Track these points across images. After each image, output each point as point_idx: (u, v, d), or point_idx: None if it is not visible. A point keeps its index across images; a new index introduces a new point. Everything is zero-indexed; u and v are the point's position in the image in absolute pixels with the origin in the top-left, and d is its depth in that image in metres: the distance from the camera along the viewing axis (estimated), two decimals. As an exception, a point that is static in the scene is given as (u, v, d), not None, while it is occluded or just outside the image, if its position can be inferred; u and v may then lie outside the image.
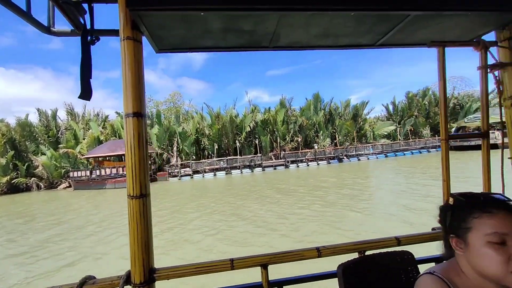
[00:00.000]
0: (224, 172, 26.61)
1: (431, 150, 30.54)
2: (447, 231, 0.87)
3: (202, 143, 30.76)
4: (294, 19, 1.12)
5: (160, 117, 31.33)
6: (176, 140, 29.75)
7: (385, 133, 34.51)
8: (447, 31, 1.35)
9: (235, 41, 1.28)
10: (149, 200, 1.11)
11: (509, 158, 1.39)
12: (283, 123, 31.06)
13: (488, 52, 1.34)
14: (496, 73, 1.36)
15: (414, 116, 35.46)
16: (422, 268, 1.04)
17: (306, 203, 10.16)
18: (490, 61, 1.36)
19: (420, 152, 30.28)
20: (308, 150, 29.92)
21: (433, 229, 1.45)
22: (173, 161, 28.72)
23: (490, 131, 1.37)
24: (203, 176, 25.78)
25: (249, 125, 31.01)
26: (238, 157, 28.59)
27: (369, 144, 31.64)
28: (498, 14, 1.22)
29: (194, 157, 29.69)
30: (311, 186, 14.25)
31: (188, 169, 26.61)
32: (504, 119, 1.41)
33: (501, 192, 1.14)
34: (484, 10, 1.16)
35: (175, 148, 29.47)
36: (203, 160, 28.40)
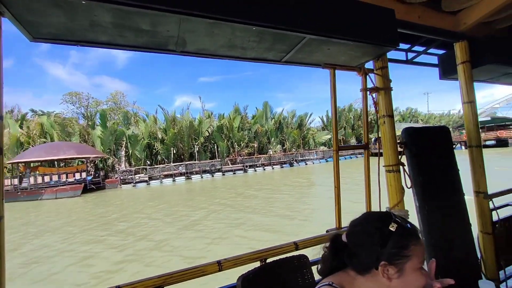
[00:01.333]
0: (184, 177, 26.42)
1: (358, 156, 36.75)
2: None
3: (155, 147, 29.66)
4: (196, 25, 1.12)
5: (105, 118, 28.86)
6: (124, 144, 28.07)
7: (323, 141, 40.21)
8: (338, 56, 1.55)
9: (134, 40, 1.22)
10: (3, 223, 0.94)
11: (383, 166, 1.67)
12: (238, 130, 32.77)
13: (368, 77, 1.66)
14: (374, 95, 1.66)
15: (343, 128, 42.01)
16: (316, 269, 1.01)
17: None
18: (371, 85, 1.69)
19: (351, 158, 36.82)
20: (262, 155, 32.75)
21: (327, 231, 1.62)
22: (121, 166, 27.00)
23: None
24: (161, 182, 25.13)
25: (207, 130, 31.95)
26: (198, 162, 28.81)
27: (313, 150, 37.70)
28: (374, 47, 1.49)
29: (148, 163, 28.63)
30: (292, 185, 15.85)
31: (143, 175, 25.53)
32: (380, 134, 1.70)
33: (379, 194, 1.53)
34: (364, 43, 1.41)
35: (123, 153, 27.81)
36: (162, 165, 27.57)
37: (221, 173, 28.27)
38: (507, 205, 2.17)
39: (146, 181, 24.93)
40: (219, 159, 30.45)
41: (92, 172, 24.55)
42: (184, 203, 13.91)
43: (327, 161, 35.18)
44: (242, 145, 33.04)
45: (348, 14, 1.41)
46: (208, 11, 1.05)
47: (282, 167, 31.91)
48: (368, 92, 1.71)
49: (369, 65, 1.77)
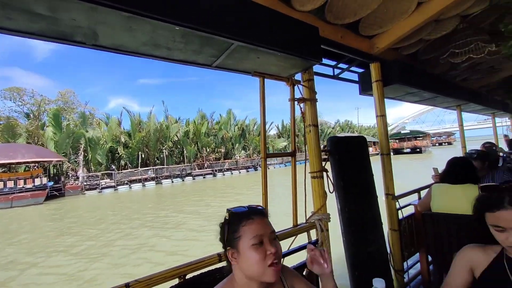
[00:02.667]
0: (154, 182, 26.03)
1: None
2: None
3: (118, 152, 27.83)
4: (109, 17, 1.02)
5: (59, 118, 25.51)
6: (83, 147, 25.40)
7: (281, 147, 41.91)
8: (268, 65, 1.59)
9: (27, 25, 1.04)
10: None
11: (309, 172, 1.77)
12: (204, 135, 33.73)
13: (297, 88, 1.75)
14: (301, 105, 1.77)
15: (297, 135, 45.25)
16: None
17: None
18: (299, 95, 1.78)
19: (303, 163, 41.63)
20: (227, 160, 34.18)
21: None
22: (79, 172, 24.28)
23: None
24: (130, 188, 24.05)
25: (176, 135, 31.84)
26: (168, 166, 28.62)
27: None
28: (301, 60, 1.57)
29: (113, 167, 26.59)
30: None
31: (109, 180, 24.08)
32: (306, 142, 1.79)
33: (305, 199, 1.63)
34: (291, 55, 1.48)
35: (81, 157, 25.09)
36: (129, 170, 26.14)
37: (191, 177, 28.69)
38: (409, 204, 2.54)
39: (113, 186, 23.46)
40: (188, 164, 30.51)
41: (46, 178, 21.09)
42: (156, 208, 12.65)
43: (285, 165, 37.44)
44: (209, 150, 34.10)
45: (276, 27, 1.46)
46: (121, 2, 0.96)
47: (248, 171, 33.93)
48: (296, 102, 1.80)
49: (298, 76, 1.87)
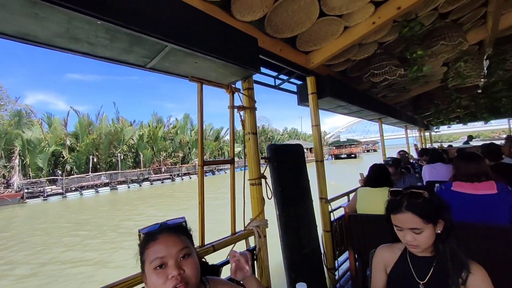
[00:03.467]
0: (109, 188, 24.40)
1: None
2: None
3: (63, 155, 24.98)
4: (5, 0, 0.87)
5: None
6: (18, 150, 21.84)
7: (236, 152, 43.65)
8: (207, 71, 1.57)
9: None
10: None
11: (248, 180, 1.77)
12: (161, 139, 33.17)
13: (238, 95, 1.78)
14: (241, 113, 1.79)
15: (262, 142, 49.22)
16: None
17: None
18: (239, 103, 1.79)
19: (241, 169, 43.30)
20: (186, 165, 34.17)
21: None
22: (14, 178, 21.06)
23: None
24: (81, 194, 22.07)
25: (131, 138, 30.33)
26: (125, 171, 27.37)
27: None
28: (240, 68, 1.58)
29: (59, 172, 24.06)
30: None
31: (55, 186, 21.78)
32: (245, 149, 1.79)
33: (243, 206, 1.62)
34: (229, 63, 1.48)
35: (17, 161, 21.65)
36: (81, 175, 23.90)
37: (149, 182, 27.73)
38: (340, 207, 2.79)
39: (61, 193, 21.33)
40: (144, 169, 29.31)
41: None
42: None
43: (241, 169, 39.75)
44: (165, 154, 33.40)
45: (215, 33, 1.46)
46: None
47: (206, 175, 34.80)
48: (236, 110, 1.81)
49: (238, 84, 1.90)
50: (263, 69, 2.74)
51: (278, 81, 3.09)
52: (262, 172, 1.89)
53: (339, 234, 2.66)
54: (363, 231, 2.15)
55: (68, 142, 25.39)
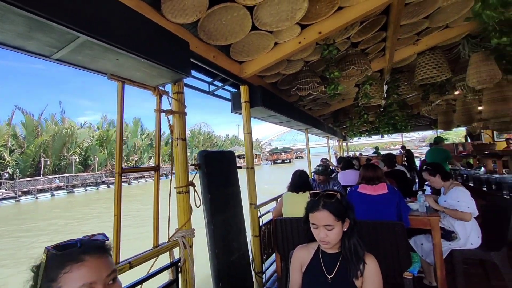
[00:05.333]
0: (65, 191, 24.47)
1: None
2: None
3: (3, 158, 23.85)
4: None
5: None
6: None
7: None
8: (131, 70, 1.43)
9: None
10: None
11: (175, 187, 1.67)
12: (114, 142, 34.02)
13: (168, 99, 1.71)
14: (170, 117, 1.71)
15: (196, 147, 49.81)
16: None
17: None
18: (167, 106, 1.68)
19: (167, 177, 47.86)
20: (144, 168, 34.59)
21: None
22: None
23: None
24: (36, 198, 21.83)
25: (86, 141, 30.77)
26: (82, 174, 27.83)
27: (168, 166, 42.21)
28: (169, 71, 1.50)
29: (7, 175, 23.28)
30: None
31: (4, 190, 21.60)
32: (173, 156, 1.71)
33: (168, 215, 1.53)
34: (156, 63, 1.38)
35: None
36: (34, 178, 23.24)
37: (106, 185, 28.04)
38: (269, 211, 2.93)
39: (14, 197, 21.13)
40: (100, 171, 29.92)
41: None
42: None
43: (191, 173, 42.52)
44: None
45: (141, 31, 1.36)
46: None
47: (160, 178, 34.82)
48: (164, 114, 1.71)
49: (168, 88, 1.81)
50: (197, 74, 2.69)
51: (212, 87, 3.08)
52: (191, 179, 1.83)
53: (267, 238, 2.78)
54: (287, 234, 2.30)
55: (9, 143, 24.06)
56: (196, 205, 1.86)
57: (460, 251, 2.19)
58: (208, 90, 3.05)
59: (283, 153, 63.43)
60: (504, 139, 8.28)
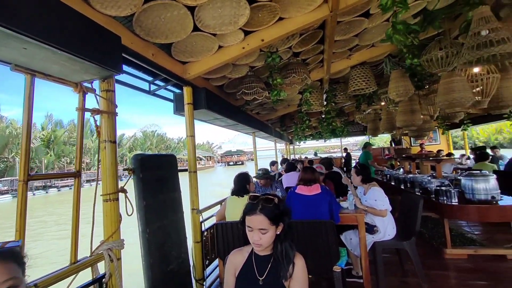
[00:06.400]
0: (10, 195, 23.37)
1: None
2: None
3: None
4: None
5: None
6: None
7: None
8: (46, 62, 1.27)
9: None
10: None
11: (101, 195, 1.51)
12: (62, 144, 32.59)
13: (96, 97, 1.56)
14: (97, 117, 1.56)
15: (149, 149, 49.20)
16: None
17: None
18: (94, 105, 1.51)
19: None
20: (93, 171, 32.65)
21: None
22: None
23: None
24: None
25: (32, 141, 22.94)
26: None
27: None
28: (97, 67, 1.35)
29: None
30: None
31: None
32: (100, 159, 1.54)
33: (92, 226, 1.38)
34: (76, 56, 1.23)
35: None
36: None
37: (56, 189, 27.36)
38: (212, 216, 2.88)
39: None
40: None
41: None
42: None
43: (121, 179, 41.23)
44: (69, 160, 33.02)
45: (58, 18, 1.20)
46: None
47: (59, 190, 32.70)
48: (89, 114, 1.54)
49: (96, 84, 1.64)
50: (135, 72, 2.51)
51: (154, 87, 2.91)
52: (122, 185, 1.68)
53: (210, 243, 2.72)
54: (228, 238, 2.30)
55: None
56: (127, 213, 1.71)
57: (380, 242, 2.50)
58: (148, 89, 2.87)
59: (235, 156, 66.33)
60: (418, 144, 9.86)
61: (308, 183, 2.34)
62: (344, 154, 12.03)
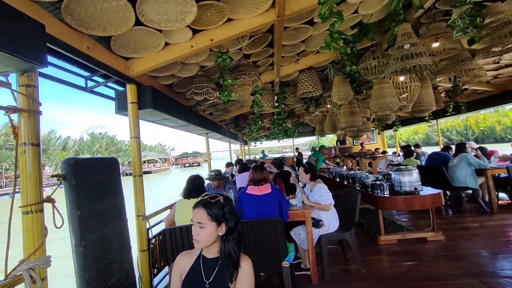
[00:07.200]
0: None
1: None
2: None
3: None
4: None
5: None
6: None
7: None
8: None
9: None
10: None
11: (20, 207, 1.34)
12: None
13: (12, 93, 1.36)
14: (13, 116, 1.36)
15: (99, 153, 46.70)
16: None
17: None
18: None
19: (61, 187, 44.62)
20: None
21: None
22: None
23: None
24: None
25: None
26: None
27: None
28: (14, 57, 1.21)
29: None
30: None
31: None
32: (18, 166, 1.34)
33: (7, 244, 1.21)
34: None
35: None
36: None
37: None
38: (160, 221, 2.73)
39: None
40: None
41: None
42: None
43: (61, 187, 38.64)
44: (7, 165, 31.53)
45: None
46: None
47: (52, 188, 29.09)
48: (4, 112, 1.32)
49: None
50: (68, 66, 2.23)
51: (92, 83, 2.63)
52: (49, 194, 1.48)
53: (158, 250, 2.57)
54: (177, 244, 2.20)
55: None
56: (55, 225, 1.51)
57: (325, 235, 2.69)
58: (85, 86, 2.58)
59: (191, 157, 67.58)
60: (359, 143, 10.92)
61: (258, 183, 2.39)
62: (296, 154, 12.68)
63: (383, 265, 2.93)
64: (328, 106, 5.71)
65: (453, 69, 3.24)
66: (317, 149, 7.07)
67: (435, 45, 2.84)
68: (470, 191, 4.88)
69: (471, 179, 4.48)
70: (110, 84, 2.75)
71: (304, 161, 11.38)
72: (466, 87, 5.27)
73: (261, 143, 13.50)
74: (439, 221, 3.91)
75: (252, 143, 14.13)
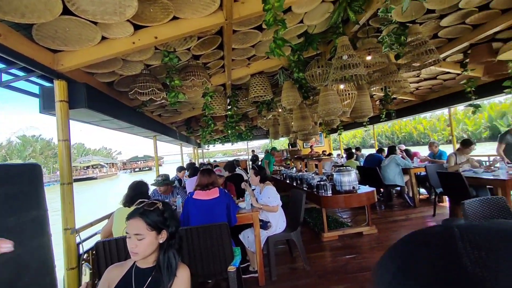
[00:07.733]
0: None
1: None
2: None
3: None
4: None
5: None
6: None
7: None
8: None
9: None
10: None
11: None
12: None
13: None
14: None
15: (32, 158, 42.49)
16: None
17: None
18: None
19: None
20: None
21: None
22: None
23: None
24: None
25: None
26: None
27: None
28: None
29: None
30: None
31: None
32: None
33: None
34: None
35: None
36: None
37: None
38: (95, 234, 2.46)
39: None
40: None
41: None
42: None
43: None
44: None
45: None
46: None
47: None
48: None
49: None
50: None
51: (8, 77, 2.25)
52: None
53: (92, 266, 2.31)
54: (112, 258, 2.00)
55: None
56: None
57: (273, 236, 2.77)
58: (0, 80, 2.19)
59: (142, 161, 63.76)
60: (309, 146, 11.58)
61: (206, 187, 2.34)
62: (251, 156, 12.81)
63: (325, 260, 3.14)
64: (280, 110, 5.93)
65: (384, 80, 3.68)
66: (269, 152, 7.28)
67: (368, 58, 3.18)
68: (398, 188, 5.56)
69: (399, 178, 5.13)
70: (34, 79, 2.39)
71: (259, 162, 11.59)
72: (394, 96, 6.02)
73: (214, 146, 13.29)
74: (373, 216, 4.37)
75: (206, 146, 13.83)
